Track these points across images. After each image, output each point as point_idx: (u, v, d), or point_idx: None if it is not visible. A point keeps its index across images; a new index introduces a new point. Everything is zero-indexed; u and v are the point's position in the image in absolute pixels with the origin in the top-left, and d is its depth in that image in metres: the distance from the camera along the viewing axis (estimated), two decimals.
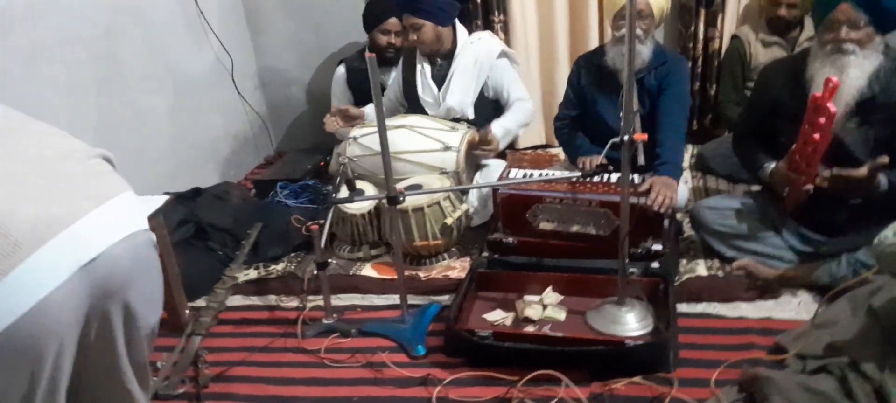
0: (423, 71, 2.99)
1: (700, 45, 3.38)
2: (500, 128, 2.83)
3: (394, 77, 3.20)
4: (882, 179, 1.98)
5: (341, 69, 3.42)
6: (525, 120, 2.94)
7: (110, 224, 1.17)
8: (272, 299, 2.48)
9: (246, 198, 3.07)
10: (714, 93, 3.43)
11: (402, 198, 2.06)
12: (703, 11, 3.32)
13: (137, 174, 2.92)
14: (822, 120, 1.92)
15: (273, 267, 2.66)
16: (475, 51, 2.92)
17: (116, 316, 1.20)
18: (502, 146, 2.86)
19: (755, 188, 2.54)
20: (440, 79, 2.96)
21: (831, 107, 1.90)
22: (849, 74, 2.03)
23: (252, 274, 2.63)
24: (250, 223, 2.80)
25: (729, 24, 3.35)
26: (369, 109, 3.16)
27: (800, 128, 2.15)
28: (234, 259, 2.63)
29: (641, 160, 1.93)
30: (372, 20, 3.26)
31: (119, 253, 1.16)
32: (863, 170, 1.95)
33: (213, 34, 3.52)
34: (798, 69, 2.18)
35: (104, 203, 1.18)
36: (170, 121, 3.22)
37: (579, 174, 2.32)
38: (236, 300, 2.50)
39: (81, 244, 1.12)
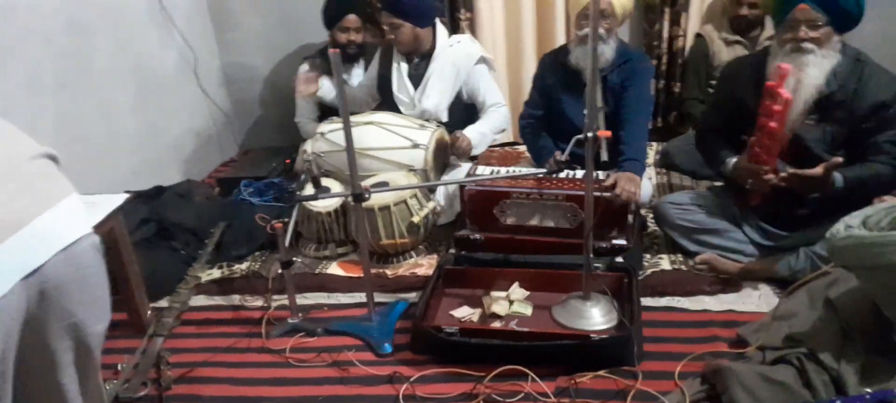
0: (400, 69, 2.97)
1: (665, 44, 3.43)
2: (475, 134, 2.83)
3: (368, 72, 3.18)
4: (837, 177, 2.03)
5: (304, 66, 3.39)
6: (500, 125, 2.96)
7: (55, 230, 1.13)
8: (236, 299, 2.45)
9: (210, 196, 3.02)
10: (679, 90, 3.48)
11: (367, 196, 2.05)
12: (667, 10, 3.36)
13: (99, 171, 2.87)
14: (777, 107, 1.96)
15: (237, 266, 2.62)
16: (454, 54, 2.91)
17: (56, 324, 1.15)
18: (478, 151, 2.87)
19: (718, 184, 2.58)
20: (417, 78, 2.95)
21: (784, 92, 1.95)
22: (807, 73, 2.07)
23: (216, 273, 2.58)
24: (214, 222, 2.76)
25: (693, 23, 3.40)
26: (325, 81, 3.19)
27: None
28: (197, 258, 2.58)
29: (605, 156, 1.95)
30: (331, 18, 3.23)
31: (61, 259, 1.12)
32: (818, 170, 2.00)
33: (176, 30, 3.46)
34: (759, 67, 2.22)
35: (49, 208, 1.13)
36: (133, 118, 3.16)
37: (545, 170, 2.32)
38: (200, 300, 2.46)
39: (26, 252, 1.07)
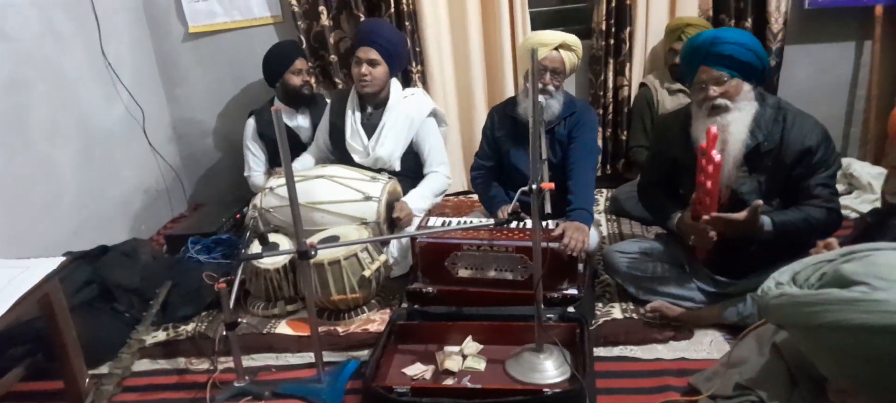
0: (354, 117, 2.97)
1: (610, 93, 3.50)
2: (416, 198, 2.85)
3: (321, 123, 3.16)
4: (765, 220, 2.07)
5: (251, 121, 3.38)
6: (441, 189, 3.00)
7: None
8: (182, 362, 2.36)
9: (156, 255, 2.94)
10: (625, 138, 3.54)
11: (314, 253, 2.01)
12: (611, 61, 3.44)
13: (39, 232, 2.78)
14: (710, 167, 2.01)
15: (183, 327, 2.54)
16: (408, 106, 2.95)
17: None
18: (420, 213, 2.83)
19: (666, 231, 2.61)
20: (370, 128, 2.95)
21: (715, 155, 1.99)
22: (730, 130, 2.11)
23: (161, 335, 2.50)
24: (160, 281, 2.67)
25: (636, 72, 3.48)
26: (296, 163, 3.13)
27: (695, 180, 2.24)
28: (141, 320, 2.49)
29: (548, 208, 1.96)
30: (280, 65, 3.24)
31: None
32: (742, 214, 2.03)
33: (123, 87, 3.41)
34: (686, 124, 2.26)
35: None
36: (76, 176, 3.08)
37: (494, 221, 2.32)
38: (143, 364, 2.37)
39: None
